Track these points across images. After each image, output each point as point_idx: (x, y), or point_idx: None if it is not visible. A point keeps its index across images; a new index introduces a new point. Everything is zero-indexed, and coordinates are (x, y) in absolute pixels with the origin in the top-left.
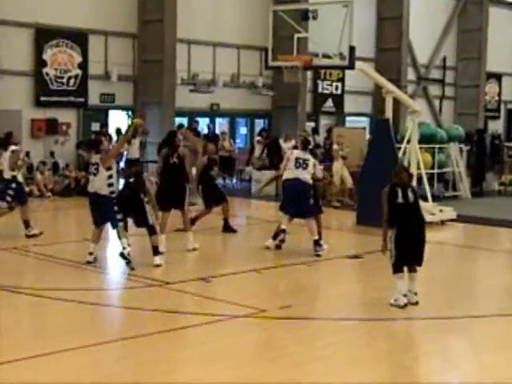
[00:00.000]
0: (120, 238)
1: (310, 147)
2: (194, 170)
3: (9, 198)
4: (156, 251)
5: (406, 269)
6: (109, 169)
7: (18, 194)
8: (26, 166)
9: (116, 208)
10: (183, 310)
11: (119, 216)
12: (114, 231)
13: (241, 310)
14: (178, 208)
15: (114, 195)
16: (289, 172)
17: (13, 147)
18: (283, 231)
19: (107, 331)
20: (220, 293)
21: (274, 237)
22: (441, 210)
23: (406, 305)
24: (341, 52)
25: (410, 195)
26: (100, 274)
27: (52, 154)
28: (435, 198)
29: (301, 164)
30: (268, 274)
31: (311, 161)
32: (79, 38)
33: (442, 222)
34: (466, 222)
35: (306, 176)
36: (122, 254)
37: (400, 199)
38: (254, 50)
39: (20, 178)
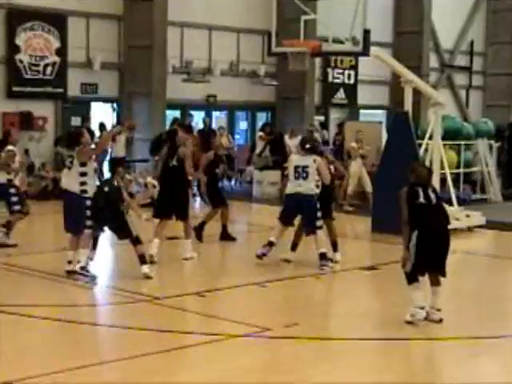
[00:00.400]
0: (82, 247)
1: (309, 145)
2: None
3: (16, 207)
4: (143, 260)
5: (427, 282)
6: (83, 164)
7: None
8: (25, 168)
9: (88, 213)
10: (176, 328)
11: (89, 223)
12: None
13: (242, 328)
14: (179, 219)
15: (86, 196)
16: (290, 185)
17: (8, 147)
18: (270, 244)
19: (90, 353)
20: (218, 309)
21: (293, 248)
22: (467, 216)
23: (425, 318)
24: (354, 36)
25: (432, 195)
26: (82, 288)
27: (26, 152)
28: (461, 202)
29: (300, 174)
30: (272, 287)
31: (313, 166)
32: (57, 21)
33: (469, 229)
34: (496, 228)
35: (308, 187)
36: (82, 268)
37: (422, 199)
38: (256, 34)
39: (17, 182)
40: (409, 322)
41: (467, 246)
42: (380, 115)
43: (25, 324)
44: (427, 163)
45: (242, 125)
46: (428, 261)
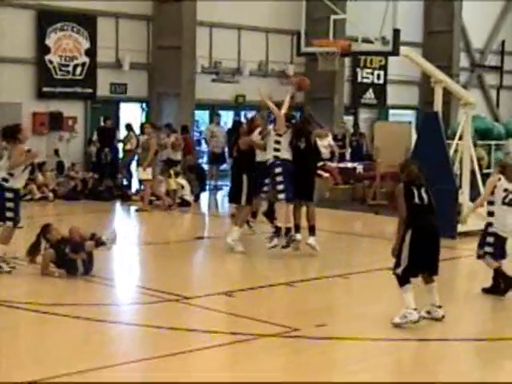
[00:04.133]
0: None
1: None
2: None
3: (10, 214)
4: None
5: (422, 281)
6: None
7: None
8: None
9: (11, 205)
10: (204, 328)
11: (10, 214)
12: None
13: (270, 328)
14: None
15: (7, 185)
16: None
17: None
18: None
19: (117, 352)
20: (246, 309)
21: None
22: None
23: (418, 320)
24: (383, 36)
25: (425, 196)
26: (108, 286)
27: (56, 152)
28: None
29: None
30: (300, 287)
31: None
32: (87, 21)
33: None
34: None
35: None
36: None
37: (416, 199)
38: (285, 34)
39: (17, 184)
40: (397, 325)
41: None
42: (409, 115)
43: (54, 323)
44: (457, 163)
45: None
46: (422, 262)
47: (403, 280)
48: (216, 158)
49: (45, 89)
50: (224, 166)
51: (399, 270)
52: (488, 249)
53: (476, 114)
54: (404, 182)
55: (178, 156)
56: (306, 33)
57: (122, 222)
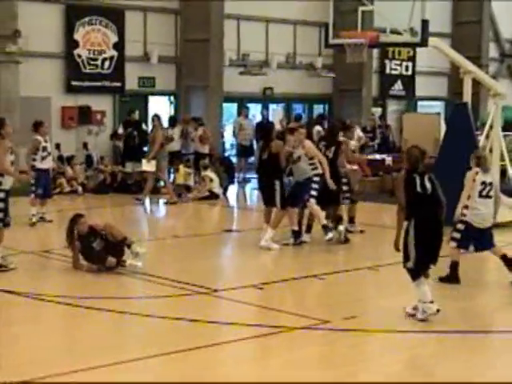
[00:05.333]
0: None
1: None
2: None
3: (0, 215)
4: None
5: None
6: None
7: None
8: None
9: (1, 205)
10: (235, 321)
11: (0, 215)
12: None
13: (300, 320)
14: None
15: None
16: None
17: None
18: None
19: (149, 345)
20: (276, 301)
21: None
22: None
23: (438, 310)
24: (412, 27)
25: (428, 184)
26: (140, 280)
27: (85, 145)
28: None
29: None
30: (330, 280)
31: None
32: (115, 15)
33: None
34: None
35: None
36: None
37: (418, 188)
38: (313, 25)
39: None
40: (422, 320)
41: None
42: (438, 106)
43: (83, 316)
44: (487, 152)
45: None
46: (429, 253)
47: (416, 274)
48: (244, 151)
49: (73, 83)
50: (252, 159)
51: (410, 264)
52: (455, 234)
53: (506, 104)
54: (406, 170)
55: (206, 149)
56: (334, 24)
57: (151, 215)
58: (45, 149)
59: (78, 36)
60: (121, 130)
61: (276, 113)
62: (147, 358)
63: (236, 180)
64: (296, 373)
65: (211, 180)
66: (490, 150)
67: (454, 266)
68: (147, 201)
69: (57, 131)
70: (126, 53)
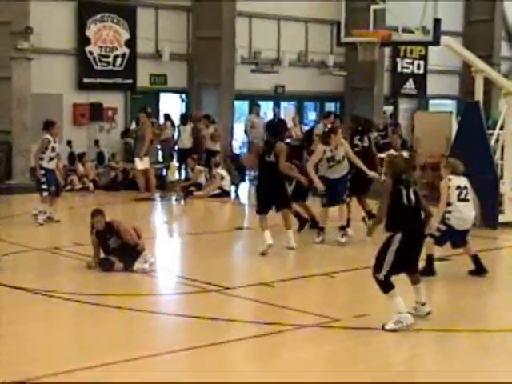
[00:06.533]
0: None
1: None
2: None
3: None
4: None
5: (408, 280)
6: None
7: None
8: None
9: None
10: (244, 318)
11: None
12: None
13: (311, 318)
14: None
15: None
16: None
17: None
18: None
19: (158, 342)
20: (286, 299)
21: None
22: None
23: (412, 322)
24: (424, 25)
25: (413, 197)
26: (149, 277)
27: (96, 142)
28: None
29: None
30: (340, 278)
31: None
32: (127, 12)
33: None
34: None
35: None
36: None
37: (405, 200)
38: (324, 24)
39: None
40: (389, 330)
41: None
42: (450, 105)
43: (96, 313)
44: (498, 154)
45: (311, 115)
46: (405, 264)
47: (387, 286)
48: None
49: (85, 80)
50: None
51: (381, 276)
52: (435, 233)
53: None
54: (392, 180)
55: (218, 147)
56: (346, 23)
57: (162, 212)
58: (53, 149)
59: (89, 33)
60: (133, 126)
61: (287, 111)
62: (157, 356)
63: (247, 178)
64: (306, 371)
65: (222, 177)
66: (502, 150)
67: (430, 259)
68: (158, 198)
69: (68, 128)
70: (137, 50)
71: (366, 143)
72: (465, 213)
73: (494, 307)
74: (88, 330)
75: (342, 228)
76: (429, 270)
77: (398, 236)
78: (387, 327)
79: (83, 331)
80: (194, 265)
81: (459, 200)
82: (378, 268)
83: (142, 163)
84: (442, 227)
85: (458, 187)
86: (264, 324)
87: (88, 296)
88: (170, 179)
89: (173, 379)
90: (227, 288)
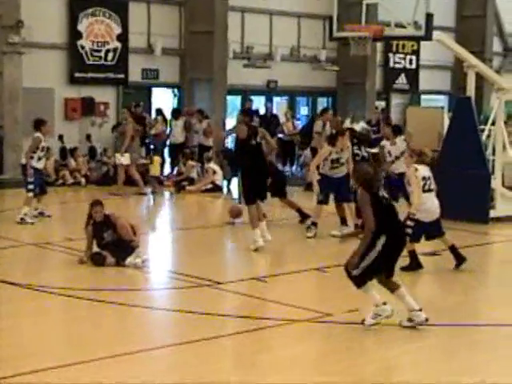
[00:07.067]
0: None
1: None
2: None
3: None
4: None
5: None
6: None
7: None
8: None
9: None
10: (236, 313)
11: None
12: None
13: (302, 313)
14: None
15: None
16: None
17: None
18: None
19: (150, 337)
20: (278, 294)
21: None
22: None
23: (392, 313)
24: (416, 20)
25: (386, 195)
26: (141, 272)
27: (88, 137)
28: None
29: None
30: (332, 273)
31: None
32: (118, 6)
33: None
34: None
35: None
36: None
37: (384, 202)
38: (317, 18)
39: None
40: (373, 325)
41: None
42: (442, 100)
43: (91, 308)
44: (490, 149)
45: (303, 110)
46: (383, 267)
47: (361, 281)
48: None
49: (77, 74)
50: None
51: (355, 272)
52: (407, 230)
53: (509, 99)
54: (366, 192)
55: (210, 142)
56: (339, 17)
57: (154, 207)
58: (43, 149)
59: (81, 27)
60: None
61: (280, 106)
62: (149, 350)
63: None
64: (297, 366)
65: (214, 172)
66: (493, 146)
67: (413, 254)
68: (149, 193)
69: (60, 123)
70: (129, 44)
71: (365, 153)
72: (428, 204)
73: (484, 302)
74: (80, 324)
75: (343, 222)
76: (415, 264)
77: (382, 240)
78: (366, 323)
79: (75, 326)
80: (186, 259)
81: (424, 191)
82: (353, 266)
83: (122, 159)
84: (410, 223)
85: (424, 178)
86: (256, 319)
87: (80, 291)
88: (151, 174)
89: (165, 374)
90: (219, 283)
